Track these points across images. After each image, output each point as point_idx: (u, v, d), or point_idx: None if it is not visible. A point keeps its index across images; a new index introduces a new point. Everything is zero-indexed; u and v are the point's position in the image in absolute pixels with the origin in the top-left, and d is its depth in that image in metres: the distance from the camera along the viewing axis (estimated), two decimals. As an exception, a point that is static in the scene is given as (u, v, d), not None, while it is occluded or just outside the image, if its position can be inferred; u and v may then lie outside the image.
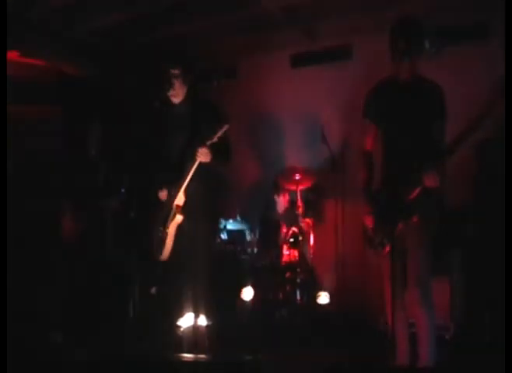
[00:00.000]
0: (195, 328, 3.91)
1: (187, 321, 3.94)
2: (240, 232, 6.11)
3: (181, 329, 3.92)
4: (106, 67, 6.54)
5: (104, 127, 5.48)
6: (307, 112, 6.42)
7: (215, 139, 3.76)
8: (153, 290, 5.76)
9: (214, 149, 3.81)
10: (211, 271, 4.16)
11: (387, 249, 3.37)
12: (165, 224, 4.00)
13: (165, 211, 4.02)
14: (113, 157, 5.43)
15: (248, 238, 5.99)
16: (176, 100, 4.12)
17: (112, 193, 5.15)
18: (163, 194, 4.09)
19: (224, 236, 6.12)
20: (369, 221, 3.45)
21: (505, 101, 2.83)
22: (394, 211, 3.26)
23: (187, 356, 3.21)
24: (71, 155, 5.55)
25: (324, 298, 5.56)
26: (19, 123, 5.31)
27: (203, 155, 3.79)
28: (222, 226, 6.08)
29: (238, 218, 6.11)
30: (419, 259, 3.31)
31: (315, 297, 5.53)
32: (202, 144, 3.77)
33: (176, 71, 4.04)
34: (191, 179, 3.92)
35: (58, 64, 6.24)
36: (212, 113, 4.10)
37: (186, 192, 3.95)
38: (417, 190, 3.19)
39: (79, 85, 6.31)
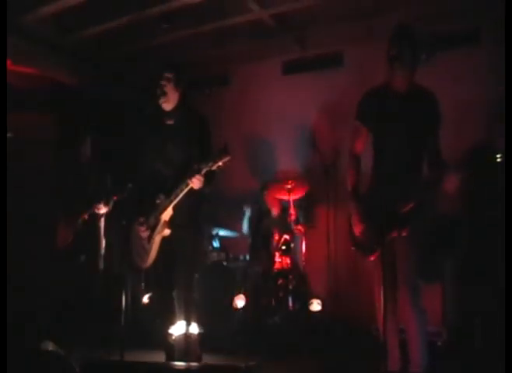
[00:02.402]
0: (187, 336, 3.90)
1: (178, 329, 3.93)
2: (232, 240, 6.13)
3: (173, 337, 3.91)
4: (98, 76, 6.55)
5: (94, 135, 5.47)
6: (298, 119, 6.46)
7: (214, 167, 3.72)
8: (145, 298, 5.76)
9: (208, 177, 3.78)
10: (196, 279, 4.14)
11: (374, 256, 3.39)
12: (151, 234, 3.99)
13: (152, 222, 4.00)
14: (103, 165, 5.42)
15: (240, 245, 6.00)
16: (167, 107, 4.09)
17: (102, 200, 5.13)
18: (160, 202, 4.04)
19: (216, 244, 6.13)
20: (357, 229, 3.45)
21: (505, 101, 2.83)
22: (385, 222, 3.26)
23: (179, 364, 3.19)
24: (62, 162, 5.54)
25: (316, 305, 5.56)
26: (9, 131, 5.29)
27: (197, 183, 3.75)
28: (214, 233, 6.09)
29: (231, 225, 6.12)
30: (408, 265, 3.31)
31: (307, 304, 5.53)
32: (198, 171, 3.73)
33: (169, 75, 4.02)
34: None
35: (50, 72, 6.23)
36: (203, 125, 4.09)
37: (174, 206, 3.93)
38: (411, 205, 3.20)
39: (71, 93, 6.30)
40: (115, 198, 5.04)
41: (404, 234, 3.24)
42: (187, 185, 3.78)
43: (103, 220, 5.31)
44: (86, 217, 5.12)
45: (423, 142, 3.37)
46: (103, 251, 5.30)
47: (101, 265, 5.27)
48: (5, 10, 3.75)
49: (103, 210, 5.17)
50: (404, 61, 3.27)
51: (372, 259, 3.41)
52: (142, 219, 4.01)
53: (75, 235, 5.11)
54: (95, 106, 6.35)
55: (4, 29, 3.73)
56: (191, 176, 3.73)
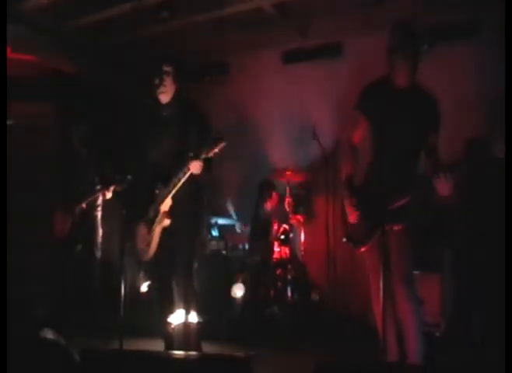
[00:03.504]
0: (186, 325, 3.91)
1: (177, 318, 3.94)
2: (231, 228, 6.13)
3: (172, 326, 3.92)
4: (97, 65, 6.52)
5: (92, 125, 5.46)
6: (298, 109, 6.46)
7: (210, 154, 3.74)
8: (144, 287, 5.77)
9: (205, 164, 3.80)
10: (195, 268, 4.14)
11: (365, 248, 3.40)
12: (151, 225, 3.99)
13: (151, 213, 4.01)
14: (100, 155, 5.41)
15: (239, 232, 6.00)
16: (164, 99, 4.08)
17: (99, 190, 5.13)
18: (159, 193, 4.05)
19: (215, 233, 6.13)
20: (352, 217, 3.45)
21: (505, 101, 2.82)
22: (377, 215, 3.24)
23: (178, 353, 3.21)
24: (60, 152, 5.53)
25: (314, 294, 5.58)
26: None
27: (196, 168, 3.76)
28: (213, 222, 6.09)
29: (230, 215, 6.12)
30: (402, 258, 3.30)
31: (306, 293, 5.55)
32: (197, 156, 3.75)
33: (168, 68, 4.01)
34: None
35: (50, 60, 6.20)
36: (199, 117, 4.09)
37: (173, 196, 3.94)
38: (404, 200, 3.18)
39: (70, 82, 6.28)
40: (115, 187, 5.04)
41: (396, 228, 3.24)
42: (185, 173, 3.80)
43: (100, 209, 5.31)
44: (84, 206, 5.12)
45: (422, 139, 3.36)
46: (100, 240, 5.32)
47: (98, 254, 5.28)
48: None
49: (100, 200, 5.18)
50: (405, 55, 3.25)
51: (362, 250, 3.42)
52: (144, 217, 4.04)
53: (73, 224, 5.12)
54: (93, 94, 6.34)
55: (4, 17, 3.70)
56: (189, 162, 3.75)
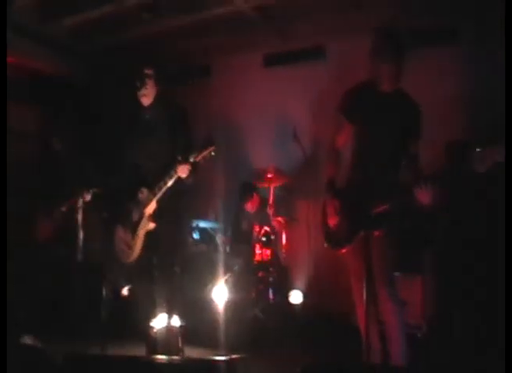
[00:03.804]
0: (169, 329, 3.89)
1: (160, 322, 3.92)
2: (212, 231, 6.11)
3: (154, 330, 3.89)
4: (77, 66, 6.47)
5: (71, 127, 5.42)
6: (279, 111, 6.46)
7: (199, 158, 3.72)
8: (125, 290, 5.72)
9: (192, 167, 3.78)
10: (178, 271, 4.12)
11: (343, 250, 3.41)
12: (135, 229, 3.96)
13: (135, 217, 3.98)
14: (80, 156, 5.37)
15: (220, 237, 5.97)
16: (146, 102, 4.07)
17: (79, 192, 5.08)
18: (142, 196, 4.01)
19: (196, 236, 6.11)
20: (332, 221, 3.46)
21: (505, 101, 2.84)
22: (358, 220, 3.25)
23: (161, 357, 3.18)
24: (40, 155, 5.48)
25: (296, 296, 5.59)
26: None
27: (183, 172, 3.74)
28: (194, 225, 6.06)
29: (211, 218, 6.10)
30: (383, 261, 3.30)
31: (288, 296, 5.55)
32: (185, 160, 3.72)
33: (149, 71, 3.99)
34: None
35: (29, 61, 6.13)
36: (182, 119, 4.07)
37: (157, 200, 3.91)
38: (384, 206, 3.17)
39: (50, 83, 6.22)
40: (94, 190, 5.01)
41: (376, 234, 3.24)
42: (171, 177, 3.77)
43: (81, 212, 5.26)
44: (65, 209, 5.07)
45: (403, 145, 3.35)
46: (81, 243, 5.26)
47: (79, 257, 5.22)
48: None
49: (80, 202, 5.13)
50: (388, 59, 3.25)
51: (343, 252, 3.43)
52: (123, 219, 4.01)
53: (55, 227, 5.07)
54: (73, 96, 6.28)
55: (4, 18, 3.62)
56: (177, 165, 3.72)
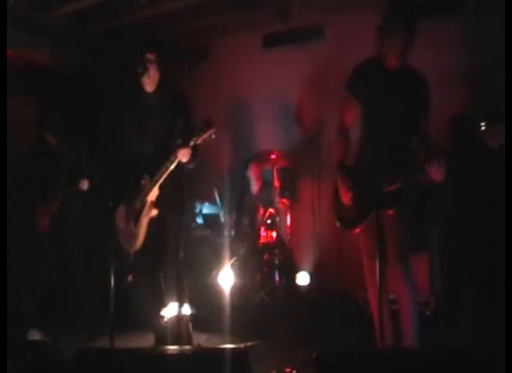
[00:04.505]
0: (179, 318, 3.85)
1: (171, 311, 3.87)
2: (217, 216, 6.07)
3: (165, 320, 3.85)
4: (76, 55, 6.38)
5: (66, 116, 5.34)
6: (280, 92, 6.37)
7: (199, 141, 3.67)
8: (129, 278, 5.69)
9: (192, 151, 3.73)
10: (182, 258, 4.08)
11: (357, 230, 3.38)
12: (138, 217, 3.91)
13: (138, 204, 3.92)
14: (78, 145, 5.30)
15: (224, 220, 5.94)
16: (149, 88, 3.98)
17: (76, 181, 5.03)
18: (145, 183, 3.96)
19: (200, 220, 6.07)
20: (346, 198, 3.41)
21: (505, 99, 2.78)
22: (370, 199, 3.21)
23: (173, 348, 3.15)
24: (35, 146, 5.41)
25: (302, 278, 5.57)
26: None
27: (184, 156, 3.69)
28: (197, 210, 6.02)
29: (215, 201, 6.05)
30: (397, 239, 3.29)
31: (294, 278, 5.53)
32: (185, 144, 3.68)
33: (151, 56, 3.89)
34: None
35: (24, 52, 6.04)
36: (185, 105, 4.00)
37: (159, 186, 3.86)
38: (396, 185, 3.14)
39: (46, 73, 6.14)
40: (91, 179, 4.97)
41: (389, 212, 3.22)
42: (172, 161, 3.72)
43: (78, 202, 5.22)
44: (61, 199, 5.03)
45: (412, 121, 3.31)
46: (80, 233, 5.24)
47: (80, 246, 5.21)
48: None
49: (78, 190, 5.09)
50: (396, 35, 3.18)
51: (357, 231, 3.40)
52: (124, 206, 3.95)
53: (52, 218, 5.03)
54: (69, 85, 6.20)
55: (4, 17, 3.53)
56: (178, 150, 3.67)
